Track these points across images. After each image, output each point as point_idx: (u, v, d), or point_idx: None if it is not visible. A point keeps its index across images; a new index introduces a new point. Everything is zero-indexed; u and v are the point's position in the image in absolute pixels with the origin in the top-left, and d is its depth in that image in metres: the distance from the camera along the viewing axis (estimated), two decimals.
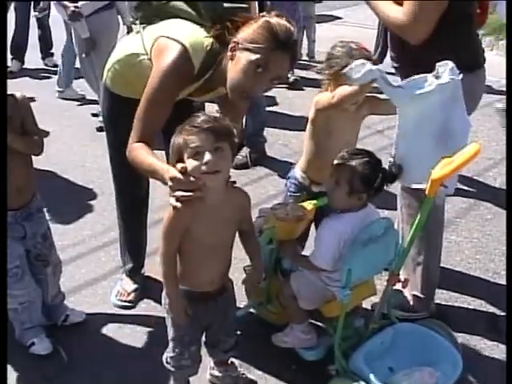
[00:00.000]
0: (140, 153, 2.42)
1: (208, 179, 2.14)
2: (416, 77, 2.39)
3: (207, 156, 2.09)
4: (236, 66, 2.43)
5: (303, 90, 7.27)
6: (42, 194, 3.01)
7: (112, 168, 3.21)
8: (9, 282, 2.80)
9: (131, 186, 3.24)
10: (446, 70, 2.38)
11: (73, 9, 5.70)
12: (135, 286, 3.48)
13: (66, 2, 5.83)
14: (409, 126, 2.46)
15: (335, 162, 2.58)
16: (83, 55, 5.75)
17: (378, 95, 2.82)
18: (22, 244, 2.87)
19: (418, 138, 2.46)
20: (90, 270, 3.75)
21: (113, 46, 2.99)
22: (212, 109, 5.37)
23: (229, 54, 2.45)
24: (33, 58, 8.33)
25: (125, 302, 3.43)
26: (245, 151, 5.28)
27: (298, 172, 3.07)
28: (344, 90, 2.69)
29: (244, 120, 5.35)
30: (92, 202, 4.59)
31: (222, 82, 2.52)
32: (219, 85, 2.60)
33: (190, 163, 2.12)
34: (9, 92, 2.69)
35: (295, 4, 7.17)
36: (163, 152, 2.66)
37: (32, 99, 2.81)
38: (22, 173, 2.79)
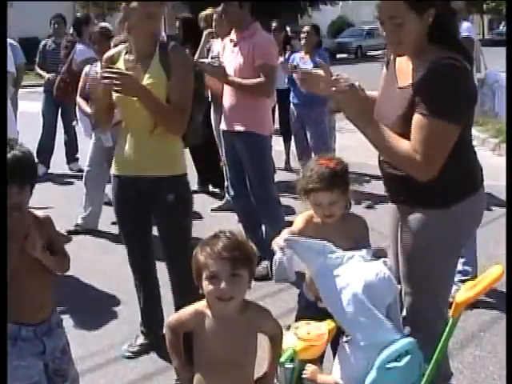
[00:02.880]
0: None
1: (221, 305, 2.20)
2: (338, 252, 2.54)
3: (223, 284, 2.15)
4: None
5: None
6: (64, 299, 2.98)
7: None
8: None
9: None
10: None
11: None
12: (145, 341, 3.94)
13: (90, 112, 6.02)
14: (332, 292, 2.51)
15: None
16: (105, 164, 5.83)
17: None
18: (41, 359, 2.81)
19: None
20: (107, 381, 3.69)
21: None
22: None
23: None
24: (58, 160, 8.50)
25: (128, 351, 3.91)
26: (265, 262, 5.17)
27: (305, 288, 3.09)
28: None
29: (264, 230, 5.38)
30: (114, 310, 4.57)
31: None
32: None
33: (206, 285, 2.19)
34: (32, 198, 2.74)
35: (321, 114, 7.39)
36: None
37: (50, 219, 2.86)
38: (46, 289, 2.79)
